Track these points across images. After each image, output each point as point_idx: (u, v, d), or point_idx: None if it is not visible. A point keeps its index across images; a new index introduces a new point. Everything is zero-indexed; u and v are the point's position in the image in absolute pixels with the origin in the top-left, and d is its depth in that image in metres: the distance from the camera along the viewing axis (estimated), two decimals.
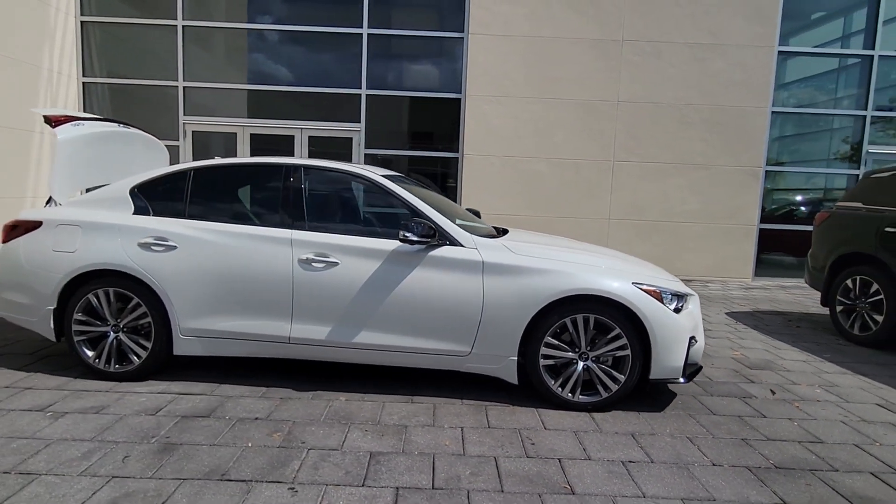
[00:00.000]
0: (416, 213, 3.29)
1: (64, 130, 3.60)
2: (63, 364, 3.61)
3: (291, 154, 8.38)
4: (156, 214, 3.39)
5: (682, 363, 3.13)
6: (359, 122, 8.36)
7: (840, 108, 8.60)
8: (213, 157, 4.49)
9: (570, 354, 3.15)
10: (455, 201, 7.70)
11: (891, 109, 8.55)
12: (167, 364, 3.52)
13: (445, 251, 3.18)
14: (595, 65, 8.18)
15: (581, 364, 3.15)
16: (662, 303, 3.12)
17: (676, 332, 3.10)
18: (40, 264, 3.32)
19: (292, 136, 8.35)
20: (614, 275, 3.15)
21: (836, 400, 3.54)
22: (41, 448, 2.50)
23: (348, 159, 8.47)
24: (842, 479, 2.52)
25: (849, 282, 5.16)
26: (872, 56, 8.39)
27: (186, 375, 3.46)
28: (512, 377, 3.21)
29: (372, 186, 3.43)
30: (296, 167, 3.45)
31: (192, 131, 8.32)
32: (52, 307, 3.33)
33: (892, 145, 8.60)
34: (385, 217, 3.44)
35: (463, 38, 8.22)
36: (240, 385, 3.35)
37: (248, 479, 2.31)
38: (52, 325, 3.36)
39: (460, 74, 8.30)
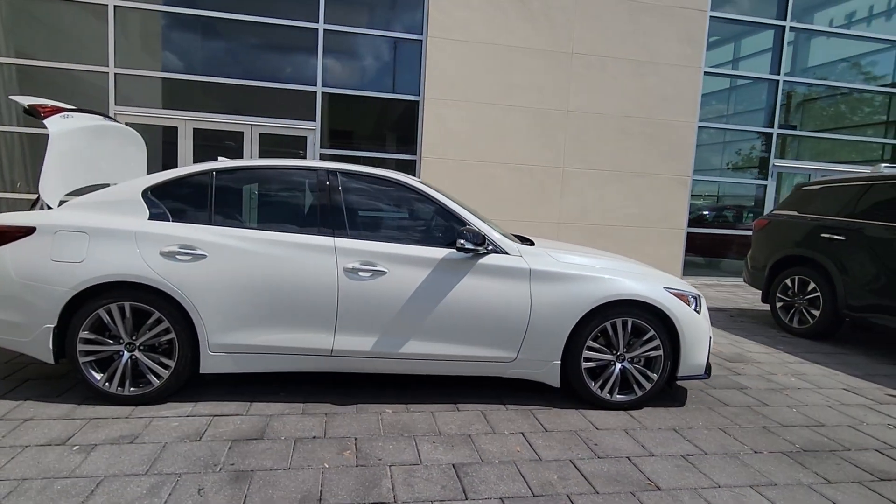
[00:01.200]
0: (460, 220, 3.29)
1: (55, 123, 3.17)
2: (54, 388, 3.17)
3: (240, 152, 7.89)
4: (176, 220, 3.08)
5: (705, 360, 3.41)
6: (314, 120, 8.05)
7: (753, 125, 9.68)
8: (216, 158, 4.16)
9: (608, 356, 3.32)
10: None
11: (793, 128, 9.77)
12: (187, 384, 3.23)
13: (493, 259, 3.22)
14: (547, 75, 8.54)
15: (618, 365, 3.33)
16: (689, 305, 3.38)
17: (700, 332, 3.38)
18: (36, 276, 2.89)
19: (241, 133, 7.86)
20: (648, 280, 3.36)
21: (811, 387, 4.03)
22: (93, 487, 2.21)
23: (302, 158, 8.13)
24: (857, 457, 2.91)
25: (788, 281, 5.86)
26: (778, 80, 9.53)
27: (206, 394, 3.19)
28: (555, 381, 3.32)
29: (410, 192, 3.37)
30: (332, 171, 3.30)
31: (125, 123, 7.55)
32: (53, 325, 2.92)
33: (794, 160, 9.83)
34: (423, 224, 3.40)
35: (422, 40, 8.20)
36: (272, 402, 3.16)
37: (388, 502, 2.21)
38: (51, 346, 2.94)
39: (419, 77, 8.28)
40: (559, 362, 3.28)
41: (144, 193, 3.12)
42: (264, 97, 7.94)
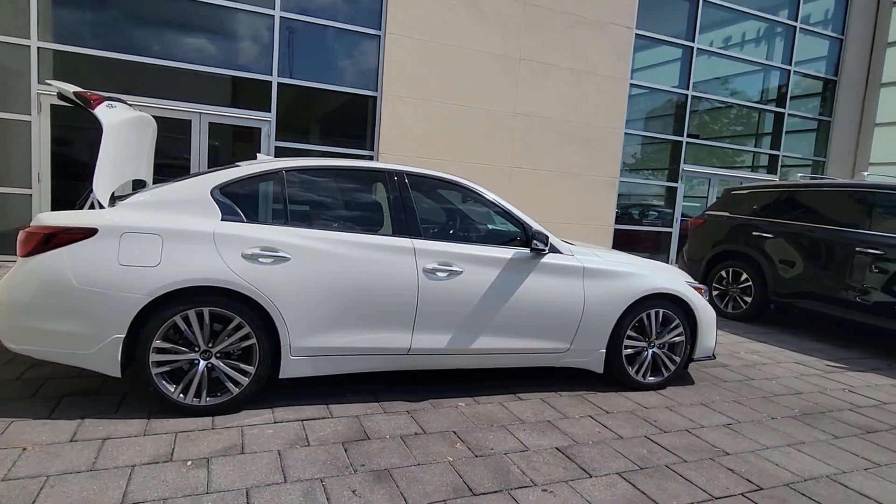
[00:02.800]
0: (518, 221, 3.51)
1: (105, 113, 2.89)
2: (104, 403, 2.90)
3: (188, 141, 7.33)
4: (251, 221, 2.96)
5: (714, 344, 3.97)
6: (269, 111, 7.71)
7: (667, 133, 10.86)
8: (255, 155, 3.95)
9: (642, 343, 3.74)
10: None
11: (696, 137, 11.11)
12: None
13: (552, 258, 3.48)
14: (498, 78, 8.92)
15: (650, 351, 3.77)
16: (703, 296, 3.91)
17: (711, 319, 3.93)
18: (102, 282, 2.64)
19: (189, 122, 7.30)
20: (672, 275, 3.83)
21: (772, 362, 4.80)
22: (246, 500, 2.15)
23: (255, 150, 7.75)
24: (841, 416, 3.60)
25: (723, 272, 6.79)
26: (687, 95, 10.79)
27: (270, 400, 3.11)
28: (599, 367, 3.67)
29: (471, 194, 3.52)
30: (401, 172, 3.35)
31: (51, 105, 6.69)
32: (122, 335, 2.69)
33: (699, 166, 11.20)
34: (484, 224, 3.57)
35: (380, 35, 8.17)
36: (346, 403, 3.16)
37: (498, 490, 2.37)
38: (119, 358, 2.71)
39: (377, 72, 8.24)
40: (604, 350, 3.64)
41: (213, 192, 2.96)
42: (215, 84, 7.45)
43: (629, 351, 3.70)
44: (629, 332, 3.67)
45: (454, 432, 2.90)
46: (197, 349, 2.82)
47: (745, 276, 6.53)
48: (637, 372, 3.74)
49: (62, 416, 2.73)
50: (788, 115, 11.93)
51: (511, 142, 9.14)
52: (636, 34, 9.94)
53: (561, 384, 3.75)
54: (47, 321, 2.64)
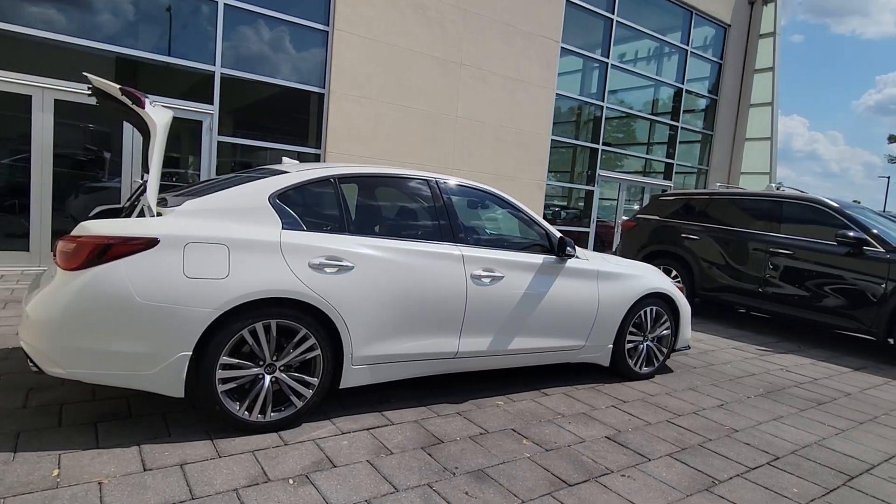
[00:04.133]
0: (542, 228, 3.74)
1: (154, 112, 2.65)
2: (151, 426, 2.67)
3: (118, 132, 6.63)
4: (311, 230, 2.89)
5: (690, 335, 4.52)
6: (211, 103, 7.20)
7: (585, 141, 11.74)
8: (281, 159, 3.75)
9: (639, 338, 4.17)
10: None
11: (608, 145, 12.13)
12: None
13: (572, 262, 3.76)
14: (440, 81, 9.10)
15: (645, 344, 4.21)
16: (683, 293, 4.44)
17: (689, 314, 4.47)
18: (166, 297, 2.45)
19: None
20: (661, 276, 4.31)
21: (716, 348, 5.53)
22: None
23: (196, 144, 7.21)
24: (795, 392, 4.30)
25: None
26: (603, 106, 11.74)
27: (325, 411, 3.06)
28: (606, 361, 4.03)
29: (504, 204, 3.70)
30: (444, 181, 3.43)
31: None
32: (189, 353, 2.51)
33: (611, 171, 12.24)
34: (515, 232, 3.75)
35: (328, 31, 7.97)
36: (397, 409, 3.19)
37: (587, 479, 2.59)
38: (185, 377, 2.52)
39: (324, 69, 8.03)
40: (612, 346, 4.00)
41: (271, 199, 2.84)
42: (150, 72, 6.82)
43: (630, 345, 4.11)
44: (631, 328, 4.07)
45: (513, 430, 3.07)
46: (261, 363, 2.71)
47: (674, 273, 7.35)
48: (635, 364, 4.16)
49: (113, 444, 2.49)
50: (682, 128, 13.44)
51: (452, 144, 9.37)
52: (561, 47, 10.64)
53: (572, 379, 4.05)
54: (104, 341, 2.39)
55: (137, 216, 2.61)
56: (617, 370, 4.12)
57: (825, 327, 6.25)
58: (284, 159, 3.77)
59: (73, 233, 2.47)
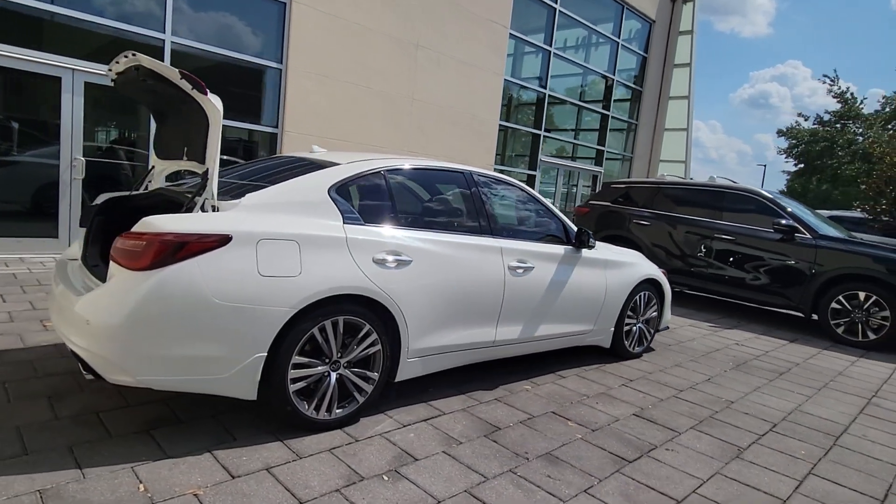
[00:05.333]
0: (560, 220, 3.91)
1: (216, 101, 2.46)
2: (213, 429, 2.54)
3: (57, 102, 5.92)
4: (368, 223, 2.84)
5: (670, 317, 4.94)
6: None
7: (529, 126, 12.09)
8: (311, 148, 3.56)
9: (634, 320, 4.50)
10: None
11: (548, 131, 12.58)
12: None
13: (586, 252, 3.98)
14: (398, 62, 8.96)
15: (637, 326, 4.55)
16: (666, 278, 4.83)
17: (670, 297, 4.88)
18: (243, 297, 2.33)
19: (59, 78, 5.90)
20: (650, 263, 4.66)
21: (677, 327, 6.06)
22: (491, 498, 2.24)
23: (143, 119, 6.61)
24: (757, 364, 4.86)
25: None
26: (545, 93, 12.13)
27: (375, 405, 3.06)
28: (608, 343, 4.33)
29: (528, 196, 3.82)
30: (481, 174, 3.49)
31: None
32: (264, 354, 2.41)
33: (551, 157, 12.72)
34: (538, 223, 3.89)
35: (286, 2, 7.55)
36: (439, 399, 3.25)
37: (641, 455, 2.82)
38: (259, 378, 2.43)
39: (282, 43, 7.62)
40: (613, 329, 4.30)
41: (330, 192, 2.76)
42: (94, 38, 6.13)
43: (627, 328, 4.43)
44: (629, 312, 4.39)
45: (553, 412, 3.25)
46: (327, 361, 2.66)
47: None
48: (630, 344, 4.50)
49: (183, 452, 2.35)
50: (612, 117, 14.21)
51: (408, 126, 9.31)
52: (510, 34, 10.82)
53: (574, 361, 4.31)
54: (177, 345, 2.25)
55: (198, 210, 2.43)
56: (615, 351, 4.44)
57: (761, 305, 7.04)
58: (315, 147, 3.62)
59: (137, 229, 2.27)
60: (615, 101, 14.26)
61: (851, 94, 19.54)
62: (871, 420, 3.72)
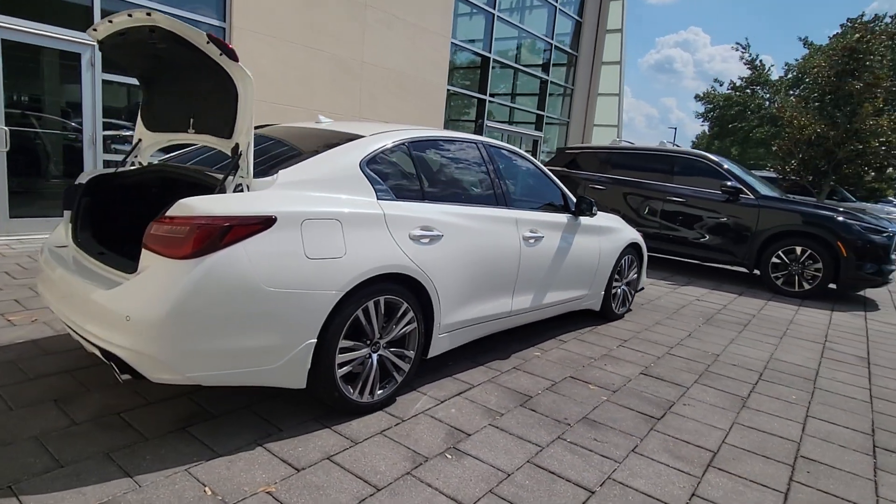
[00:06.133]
0: (560, 189, 3.96)
1: (244, 67, 2.22)
2: (245, 420, 2.40)
3: None
4: (399, 198, 2.72)
5: (645, 278, 5.20)
6: None
7: (474, 91, 11.99)
8: (317, 118, 3.29)
9: (620, 283, 4.70)
10: None
11: (492, 96, 12.57)
12: None
13: (584, 220, 4.07)
14: (347, 23, 8.52)
15: (621, 288, 4.76)
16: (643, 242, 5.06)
17: (646, 260, 5.13)
18: (293, 282, 2.19)
19: None
20: (631, 228, 4.84)
21: (650, 285, 6.40)
22: (553, 466, 2.29)
23: (73, 82, 5.89)
24: (721, 317, 5.25)
25: None
26: (490, 58, 12.05)
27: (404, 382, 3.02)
28: (598, 306, 4.50)
29: (532, 166, 3.81)
30: (489, 143, 3.43)
31: None
32: (314, 340, 2.29)
33: (498, 122, 12.74)
34: (540, 192, 3.90)
35: None
36: (460, 371, 3.26)
37: (665, 411, 2.99)
38: (309, 366, 2.31)
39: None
40: (604, 292, 4.47)
41: (362, 166, 2.61)
42: None
43: (615, 291, 4.62)
44: (615, 276, 4.57)
45: (572, 377, 3.36)
46: (368, 343, 2.57)
47: None
48: (616, 307, 4.70)
49: (233, 448, 2.21)
50: (551, 81, 14.40)
51: (358, 91, 8.96)
52: None
53: (569, 325, 4.45)
54: (228, 337, 2.08)
55: (231, 190, 2.21)
56: (603, 313, 4.63)
57: (710, 262, 7.55)
58: (321, 117, 3.38)
59: (173, 213, 2.04)
60: (553, 65, 14.44)
61: (760, 61, 21.05)
62: (833, 363, 4.15)
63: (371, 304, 2.50)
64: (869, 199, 19.77)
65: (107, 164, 6.13)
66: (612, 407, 2.98)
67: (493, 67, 12.17)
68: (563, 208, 3.95)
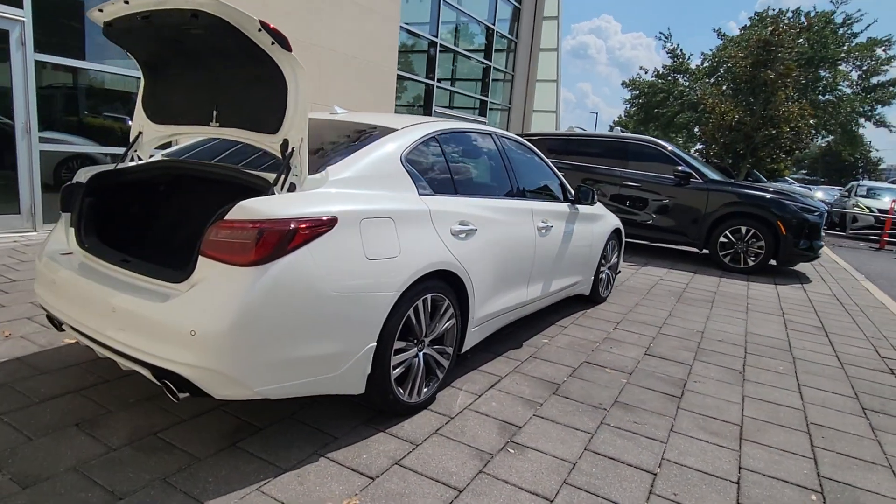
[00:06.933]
0: (561, 181, 4.03)
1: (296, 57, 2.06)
2: (295, 431, 2.29)
3: None
4: (437, 192, 2.66)
5: (622, 260, 5.43)
6: (20, 6, 5.23)
7: (419, 75, 11.85)
8: (332, 108, 3.09)
9: (604, 268, 4.87)
10: None
11: (438, 81, 12.48)
12: None
13: (581, 208, 4.17)
14: (299, 3, 8.11)
15: (605, 272, 4.93)
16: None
17: (624, 242, 5.35)
18: (356, 285, 2.09)
19: None
20: (612, 213, 5.02)
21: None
22: (609, 451, 2.37)
23: (1, 62, 5.23)
24: (690, 295, 5.59)
25: None
26: (437, 42, 11.94)
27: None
28: (588, 291, 4.64)
29: (535, 155, 3.84)
30: (502, 134, 3.42)
31: None
32: (374, 343, 2.21)
33: (444, 108, 12.68)
34: (544, 183, 3.93)
35: None
36: (483, 363, 3.27)
37: (683, 389, 3.16)
38: (369, 370, 2.22)
39: None
40: (593, 277, 4.62)
41: (402, 161, 2.52)
42: None
43: (601, 276, 4.78)
44: (601, 261, 4.74)
45: (588, 363, 3.46)
46: (415, 342, 2.52)
47: None
48: (601, 290, 4.87)
49: (297, 462, 2.10)
50: (493, 67, 14.51)
51: (312, 75, 8.58)
52: None
53: (566, 310, 4.56)
54: (297, 347, 1.97)
55: (282, 190, 2.05)
56: (592, 297, 4.78)
57: (665, 243, 7.98)
58: (336, 108, 3.21)
59: (235, 217, 1.88)
60: (495, 51, 14.54)
61: (681, 50, 22.31)
62: (798, 334, 4.55)
63: (420, 303, 2.44)
64: (770, 179, 21.67)
65: (43, 155, 5.52)
66: (635, 389, 3.11)
67: (440, 52, 12.08)
68: (563, 197, 4.03)
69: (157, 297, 1.93)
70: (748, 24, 22.34)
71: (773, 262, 7.19)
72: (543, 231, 3.52)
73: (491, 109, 14.96)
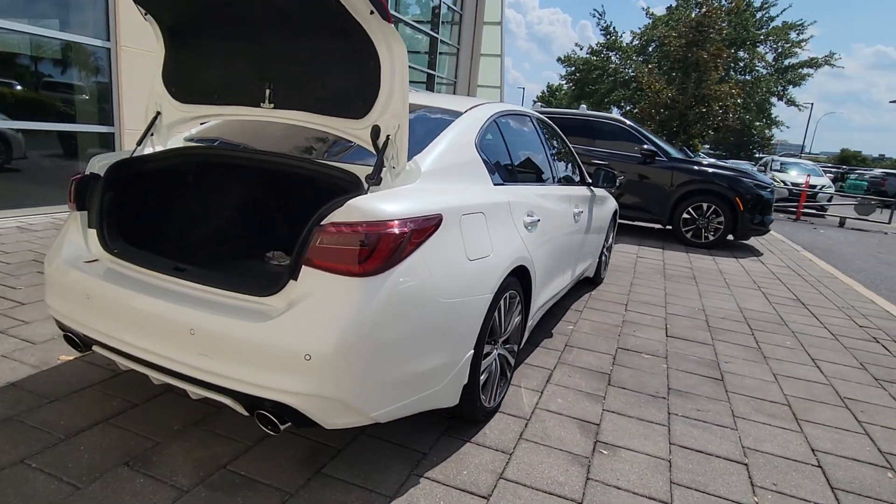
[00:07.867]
0: (578, 165, 3.94)
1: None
2: (376, 449, 2.08)
3: None
4: (506, 181, 2.47)
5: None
6: None
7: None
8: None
9: (604, 250, 4.88)
10: None
11: None
12: None
13: (596, 190, 4.11)
14: None
15: (605, 254, 4.95)
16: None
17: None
18: (461, 289, 1.89)
19: None
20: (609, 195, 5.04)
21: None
22: (691, 442, 2.34)
23: None
24: (672, 273, 5.76)
25: None
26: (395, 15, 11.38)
27: None
28: (592, 273, 4.64)
29: (561, 138, 3.71)
30: (537, 116, 3.25)
31: None
32: (472, 351, 2.02)
33: None
34: (567, 167, 3.81)
35: None
36: (525, 357, 3.17)
37: (716, 361, 3.22)
38: (465, 381, 2.03)
39: (107, 17, 5.63)
40: (598, 260, 4.61)
41: (476, 148, 2.30)
42: None
43: (602, 257, 4.79)
44: (604, 242, 4.75)
45: (621, 348, 3.44)
46: (493, 343, 2.36)
47: None
48: (601, 270, 4.90)
49: (396, 487, 1.90)
50: (441, 41, 14.14)
51: None
52: None
53: (572, 295, 4.52)
54: (409, 363, 1.75)
55: (376, 182, 1.78)
56: (593, 279, 4.79)
57: (632, 221, 8.17)
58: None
59: (344, 219, 1.60)
60: (442, 23, 14.15)
61: (614, 28, 22.86)
62: (783, 308, 4.80)
63: (502, 302, 2.28)
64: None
65: None
66: (679, 375, 3.13)
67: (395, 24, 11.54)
68: (582, 180, 3.95)
69: (251, 316, 1.62)
70: (674, 4, 23.23)
71: (730, 237, 7.59)
72: (577, 216, 3.43)
73: (438, 84, 14.63)
